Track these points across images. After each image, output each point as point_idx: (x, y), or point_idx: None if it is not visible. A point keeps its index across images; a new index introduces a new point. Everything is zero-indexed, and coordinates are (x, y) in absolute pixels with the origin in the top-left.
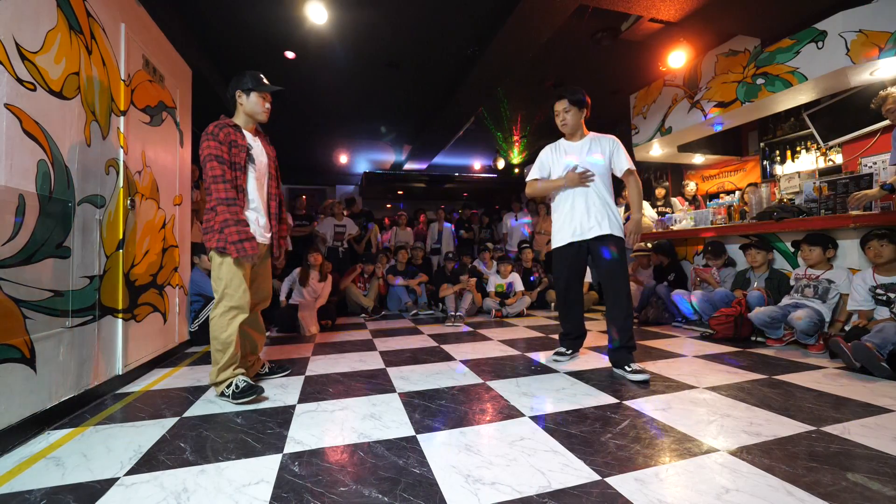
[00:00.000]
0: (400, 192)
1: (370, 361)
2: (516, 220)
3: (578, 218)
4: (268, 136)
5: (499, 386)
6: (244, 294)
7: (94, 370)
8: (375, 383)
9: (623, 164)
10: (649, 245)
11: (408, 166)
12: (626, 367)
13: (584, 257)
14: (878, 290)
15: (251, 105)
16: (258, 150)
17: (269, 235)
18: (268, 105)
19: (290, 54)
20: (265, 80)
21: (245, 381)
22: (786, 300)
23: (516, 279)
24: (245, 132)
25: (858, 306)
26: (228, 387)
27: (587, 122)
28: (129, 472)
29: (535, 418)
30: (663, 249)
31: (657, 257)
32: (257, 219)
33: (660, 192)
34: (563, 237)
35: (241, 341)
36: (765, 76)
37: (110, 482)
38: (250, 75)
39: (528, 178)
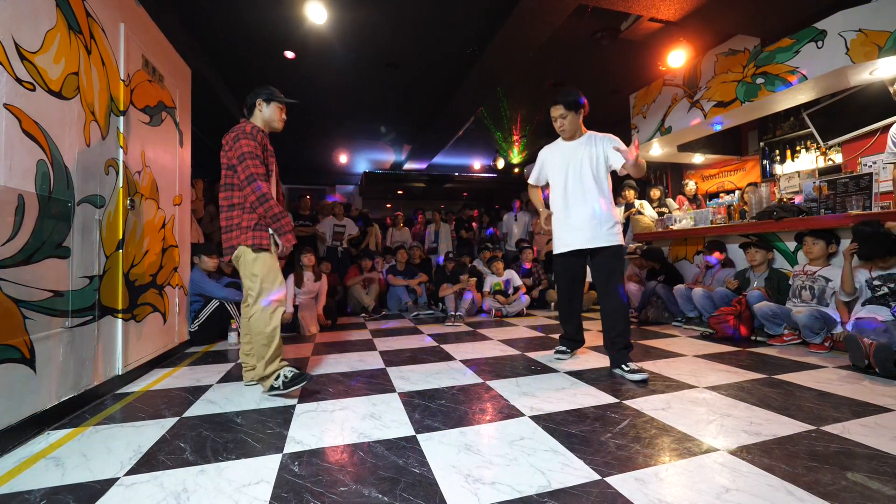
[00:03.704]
0: (400, 192)
1: (370, 361)
2: (515, 219)
3: (576, 228)
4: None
5: (499, 385)
6: (282, 285)
7: (94, 370)
8: (375, 383)
9: (619, 161)
10: (639, 251)
11: (407, 166)
12: (624, 367)
13: (584, 265)
14: (876, 282)
15: (270, 113)
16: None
17: None
18: (284, 116)
19: (289, 54)
20: (283, 95)
21: (292, 371)
22: (788, 306)
23: (513, 275)
24: None
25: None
26: (277, 378)
27: (587, 122)
28: (129, 473)
29: (534, 418)
30: (653, 256)
31: (647, 263)
32: None
33: (654, 193)
34: (561, 246)
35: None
36: (764, 76)
37: (110, 482)
38: (271, 88)
39: (529, 181)
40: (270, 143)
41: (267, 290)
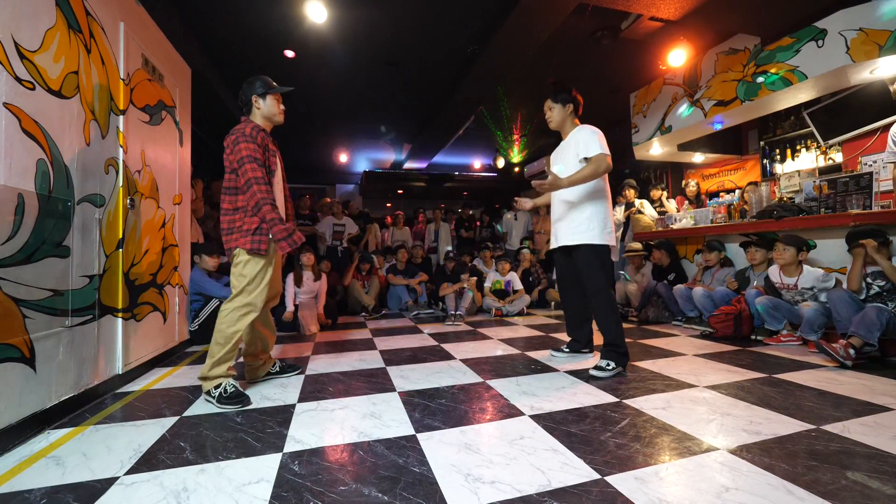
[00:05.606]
0: (400, 192)
1: (370, 360)
2: (516, 219)
3: (553, 225)
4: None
5: (499, 385)
6: (262, 293)
7: (94, 369)
8: (375, 382)
9: (581, 152)
10: (640, 245)
11: (408, 165)
12: (595, 366)
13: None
14: (868, 279)
15: (268, 108)
16: (277, 154)
17: None
18: (282, 106)
19: (289, 53)
20: (275, 83)
21: (234, 387)
22: None
23: (514, 277)
24: None
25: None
26: (217, 388)
27: (587, 119)
28: (129, 472)
29: (534, 417)
30: (667, 247)
31: (659, 254)
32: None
33: (655, 193)
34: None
35: (253, 339)
36: (765, 74)
37: (110, 481)
38: (262, 80)
39: None
40: (273, 140)
41: (248, 291)
